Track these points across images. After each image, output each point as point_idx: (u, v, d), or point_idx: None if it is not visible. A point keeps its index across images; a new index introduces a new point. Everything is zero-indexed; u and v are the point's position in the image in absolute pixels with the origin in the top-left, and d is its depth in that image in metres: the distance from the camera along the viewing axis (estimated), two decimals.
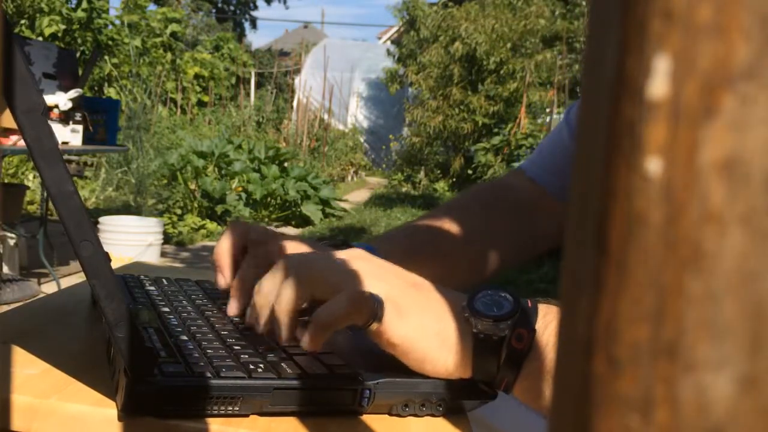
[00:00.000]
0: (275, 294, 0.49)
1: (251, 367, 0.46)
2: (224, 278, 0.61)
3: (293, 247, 0.63)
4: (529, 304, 0.47)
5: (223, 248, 0.61)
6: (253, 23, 26.09)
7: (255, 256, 0.60)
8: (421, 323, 0.46)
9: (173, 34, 11.09)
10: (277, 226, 5.85)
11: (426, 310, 0.47)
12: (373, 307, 0.45)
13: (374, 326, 0.45)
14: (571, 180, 0.15)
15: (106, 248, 0.40)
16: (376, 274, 0.48)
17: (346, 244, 0.69)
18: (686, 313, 0.12)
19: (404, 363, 0.48)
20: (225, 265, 0.61)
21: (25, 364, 0.48)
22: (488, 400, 0.49)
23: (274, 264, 0.56)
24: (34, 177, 5.53)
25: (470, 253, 0.79)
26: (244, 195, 5.73)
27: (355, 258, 0.49)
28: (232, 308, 0.58)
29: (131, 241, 3.64)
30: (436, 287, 0.50)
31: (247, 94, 13.55)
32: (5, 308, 2.48)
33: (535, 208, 0.84)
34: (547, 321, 0.46)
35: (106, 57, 8.78)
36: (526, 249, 0.85)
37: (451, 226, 0.78)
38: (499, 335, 0.46)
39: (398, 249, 0.72)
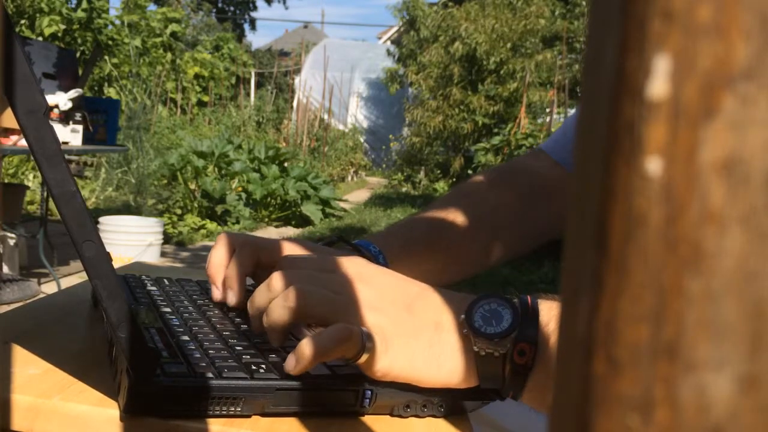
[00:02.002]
0: (265, 308, 0.49)
1: (253, 367, 0.46)
2: (219, 290, 0.61)
3: (289, 250, 0.62)
4: (529, 303, 0.46)
5: (216, 262, 0.61)
6: (252, 24, 26.06)
7: (241, 255, 0.60)
8: (410, 356, 0.46)
9: (173, 34, 11.09)
10: (277, 226, 5.85)
11: (418, 338, 0.46)
12: (362, 342, 0.44)
13: (362, 360, 0.45)
14: (571, 180, 0.15)
15: (106, 248, 0.40)
16: (369, 302, 0.47)
17: (342, 240, 0.69)
18: (686, 313, 0.13)
19: None
20: (218, 277, 0.61)
21: (27, 364, 0.48)
22: (490, 401, 0.49)
23: (262, 262, 0.61)
24: (34, 177, 5.53)
25: (474, 243, 0.78)
26: (244, 195, 5.73)
27: (353, 280, 0.48)
28: (216, 296, 0.61)
29: (131, 241, 3.64)
30: (439, 294, 0.49)
31: (247, 94, 13.55)
32: (5, 308, 2.48)
33: (554, 190, 0.82)
34: (549, 330, 0.45)
35: (106, 57, 8.78)
36: (540, 234, 0.84)
37: (456, 215, 0.77)
38: (500, 352, 0.45)
39: (397, 244, 0.72)
